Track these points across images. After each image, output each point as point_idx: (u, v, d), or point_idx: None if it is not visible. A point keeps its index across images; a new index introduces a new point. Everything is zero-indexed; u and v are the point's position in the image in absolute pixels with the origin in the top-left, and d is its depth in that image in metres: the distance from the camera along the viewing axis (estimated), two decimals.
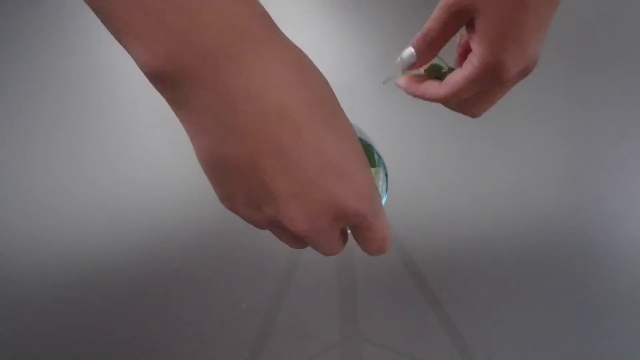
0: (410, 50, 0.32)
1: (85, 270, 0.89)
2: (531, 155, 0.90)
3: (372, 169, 0.36)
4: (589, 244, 0.91)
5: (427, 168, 0.92)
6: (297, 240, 0.21)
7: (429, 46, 0.30)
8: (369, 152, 0.36)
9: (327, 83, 0.19)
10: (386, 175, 0.34)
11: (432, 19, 0.29)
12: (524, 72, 0.27)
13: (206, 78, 0.15)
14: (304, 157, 0.17)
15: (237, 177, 0.18)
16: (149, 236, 0.89)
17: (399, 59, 0.33)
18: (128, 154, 0.88)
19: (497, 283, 0.89)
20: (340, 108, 0.19)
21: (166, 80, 0.15)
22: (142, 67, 0.15)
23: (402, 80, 0.35)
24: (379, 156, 0.33)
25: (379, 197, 0.21)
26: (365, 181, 0.19)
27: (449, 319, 0.85)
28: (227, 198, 0.19)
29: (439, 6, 0.28)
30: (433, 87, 0.32)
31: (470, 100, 0.32)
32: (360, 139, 0.32)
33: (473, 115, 0.34)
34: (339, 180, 0.18)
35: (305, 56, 0.19)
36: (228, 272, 0.88)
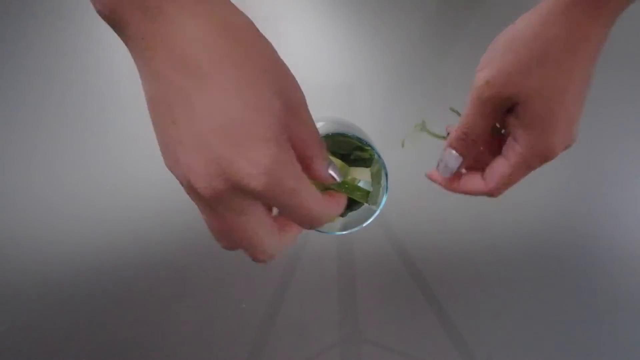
0: (453, 154, 0.29)
1: (84, 269, 0.89)
2: None
3: (373, 169, 0.36)
4: (589, 244, 0.91)
5: (427, 168, 0.92)
6: (211, 212, 0.20)
7: (473, 144, 0.28)
8: (370, 152, 0.36)
9: (258, 50, 0.19)
10: (386, 175, 0.34)
11: (468, 117, 0.27)
12: (567, 148, 0.27)
13: (133, 26, 0.17)
14: (206, 112, 0.17)
15: (164, 121, 0.19)
16: (148, 235, 0.89)
17: (442, 166, 0.31)
18: (129, 153, 0.88)
19: (497, 283, 0.89)
20: (268, 78, 0.19)
21: (111, 23, 0.18)
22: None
23: (437, 176, 0.32)
24: (379, 156, 0.33)
25: (294, 179, 0.19)
26: (264, 157, 0.18)
27: (449, 319, 0.85)
28: (164, 148, 0.20)
29: (474, 102, 0.26)
30: (475, 183, 0.30)
31: None
32: (361, 139, 0.32)
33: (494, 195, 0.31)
34: (236, 147, 0.17)
35: (239, 19, 0.19)
36: (228, 272, 0.88)
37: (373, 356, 0.82)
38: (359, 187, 0.36)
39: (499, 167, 0.28)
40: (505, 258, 0.90)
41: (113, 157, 0.90)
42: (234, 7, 0.19)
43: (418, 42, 0.93)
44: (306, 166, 0.23)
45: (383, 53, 0.92)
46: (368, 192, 0.35)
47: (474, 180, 0.30)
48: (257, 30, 0.20)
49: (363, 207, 0.38)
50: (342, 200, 0.26)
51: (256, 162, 0.18)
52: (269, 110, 0.18)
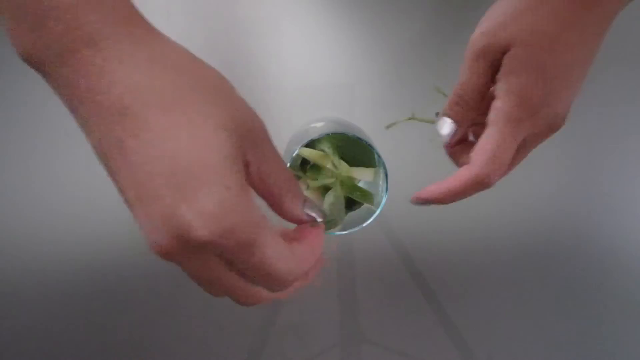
0: (446, 122, 0.27)
1: (85, 269, 0.89)
2: (531, 155, 0.90)
3: (372, 169, 0.36)
4: (590, 244, 0.91)
5: (427, 168, 0.92)
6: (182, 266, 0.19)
7: (468, 108, 0.26)
8: (370, 152, 0.36)
9: (197, 81, 0.17)
10: (386, 175, 0.34)
11: (463, 76, 0.25)
12: (551, 125, 0.24)
13: (55, 73, 0.16)
14: (144, 159, 0.16)
15: (108, 172, 0.17)
16: None
17: (439, 136, 0.29)
18: None
19: (497, 283, 0.89)
20: (212, 110, 0.17)
21: (32, 66, 0.16)
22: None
23: (426, 193, 0.28)
24: (379, 156, 0.33)
25: (251, 228, 0.17)
26: (208, 202, 0.16)
27: (449, 319, 0.85)
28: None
29: (468, 58, 0.25)
30: (464, 172, 0.26)
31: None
32: (360, 139, 0.32)
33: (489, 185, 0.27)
34: (178, 193, 0.15)
35: (171, 49, 0.17)
36: None
37: (373, 356, 0.82)
38: (359, 187, 0.35)
39: (482, 139, 0.24)
40: (506, 258, 0.90)
41: None
42: (164, 40, 0.17)
43: (419, 42, 0.93)
44: (278, 207, 0.21)
45: (384, 53, 0.92)
46: (368, 193, 0.35)
47: (462, 171, 0.26)
48: (197, 59, 0.18)
49: (363, 207, 0.38)
50: (318, 245, 0.22)
51: (199, 209, 0.15)
52: (212, 146, 0.16)
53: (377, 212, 0.33)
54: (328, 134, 0.32)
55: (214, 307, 0.87)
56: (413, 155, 0.98)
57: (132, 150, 0.16)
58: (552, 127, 0.24)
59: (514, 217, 0.92)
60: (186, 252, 0.17)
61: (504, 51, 0.23)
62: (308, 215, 0.22)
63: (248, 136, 0.18)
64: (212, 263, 0.18)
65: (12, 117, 0.91)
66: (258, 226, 0.17)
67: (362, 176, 0.36)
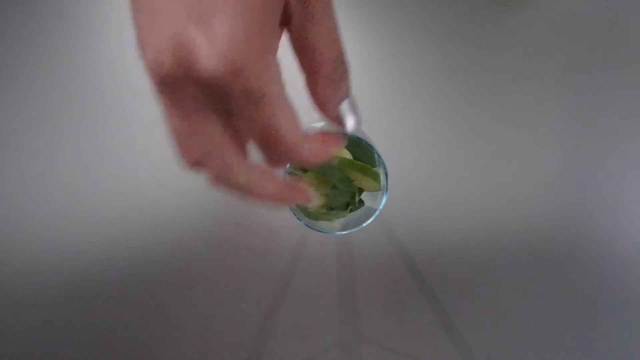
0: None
1: (84, 269, 0.88)
2: (531, 155, 0.90)
3: (377, 183, 0.36)
4: (590, 244, 0.91)
5: (427, 168, 0.92)
6: (170, 105, 0.15)
7: None
8: (370, 152, 0.35)
9: None
10: (386, 175, 0.34)
11: None
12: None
13: None
14: None
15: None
16: (148, 235, 0.89)
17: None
18: (130, 151, 0.88)
19: (497, 282, 0.89)
20: None
21: None
22: None
23: None
24: (379, 156, 0.33)
25: (266, 77, 0.14)
26: (232, 32, 0.13)
27: (449, 319, 0.85)
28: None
29: None
30: None
31: None
32: (360, 139, 0.32)
33: None
34: (194, 15, 0.13)
35: None
36: (228, 273, 0.88)
37: (373, 356, 0.82)
38: (358, 162, 0.35)
39: None
40: (505, 258, 0.90)
41: (113, 156, 0.90)
42: None
43: (418, 41, 0.93)
44: (311, 85, 0.17)
45: (383, 53, 0.92)
46: (368, 167, 0.35)
47: None
48: None
49: (363, 207, 0.38)
50: (330, 147, 0.18)
51: (210, 35, 0.13)
52: None
53: (377, 212, 0.33)
54: None
55: (214, 307, 0.87)
56: (413, 155, 0.98)
57: None
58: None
59: (514, 217, 0.92)
60: (183, 82, 0.14)
61: None
62: (340, 119, 0.17)
63: None
64: (205, 106, 0.15)
65: (13, 117, 0.91)
66: (272, 78, 0.14)
67: (365, 184, 0.36)
